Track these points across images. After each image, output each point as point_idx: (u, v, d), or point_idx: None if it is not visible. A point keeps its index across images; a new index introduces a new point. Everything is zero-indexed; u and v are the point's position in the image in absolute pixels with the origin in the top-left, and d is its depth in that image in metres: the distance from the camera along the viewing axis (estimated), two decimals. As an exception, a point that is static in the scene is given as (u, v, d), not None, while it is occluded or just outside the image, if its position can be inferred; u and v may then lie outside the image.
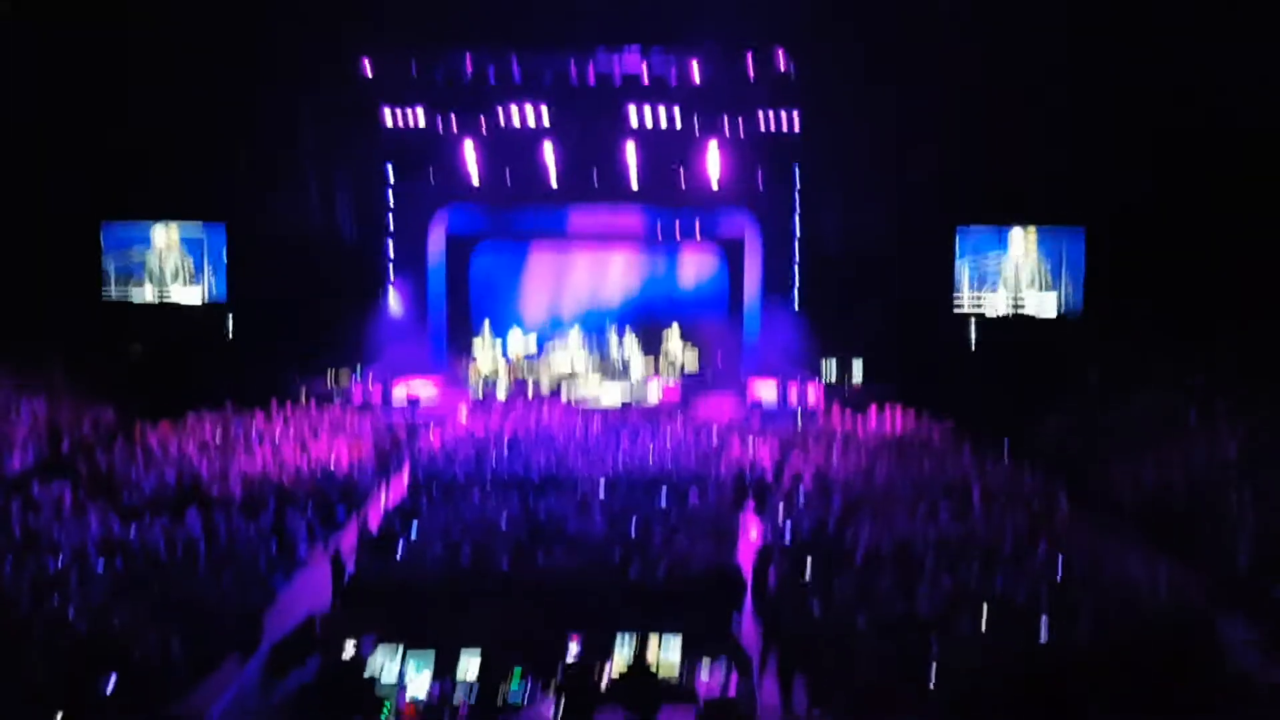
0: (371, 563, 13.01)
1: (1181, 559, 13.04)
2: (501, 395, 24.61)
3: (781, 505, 15.43)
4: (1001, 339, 24.39)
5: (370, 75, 24.78)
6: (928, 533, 13.61)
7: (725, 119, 24.98)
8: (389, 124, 25.40)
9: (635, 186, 25.95)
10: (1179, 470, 15.93)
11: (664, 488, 16.18)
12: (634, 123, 24.76)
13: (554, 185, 25.95)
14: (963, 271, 24.72)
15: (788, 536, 13.81)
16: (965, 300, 24.81)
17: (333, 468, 17.32)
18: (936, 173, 23.66)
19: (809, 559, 12.61)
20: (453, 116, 25.25)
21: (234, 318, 25.50)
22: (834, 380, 25.10)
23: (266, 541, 13.82)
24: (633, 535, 13.78)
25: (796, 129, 24.98)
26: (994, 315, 24.61)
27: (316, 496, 15.92)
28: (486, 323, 25.96)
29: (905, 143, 23.57)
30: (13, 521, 13.97)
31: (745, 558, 13.79)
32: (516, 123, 24.93)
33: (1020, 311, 24.50)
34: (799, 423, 21.12)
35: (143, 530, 13.69)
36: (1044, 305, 24.35)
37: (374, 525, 14.47)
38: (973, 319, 24.86)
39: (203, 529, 13.80)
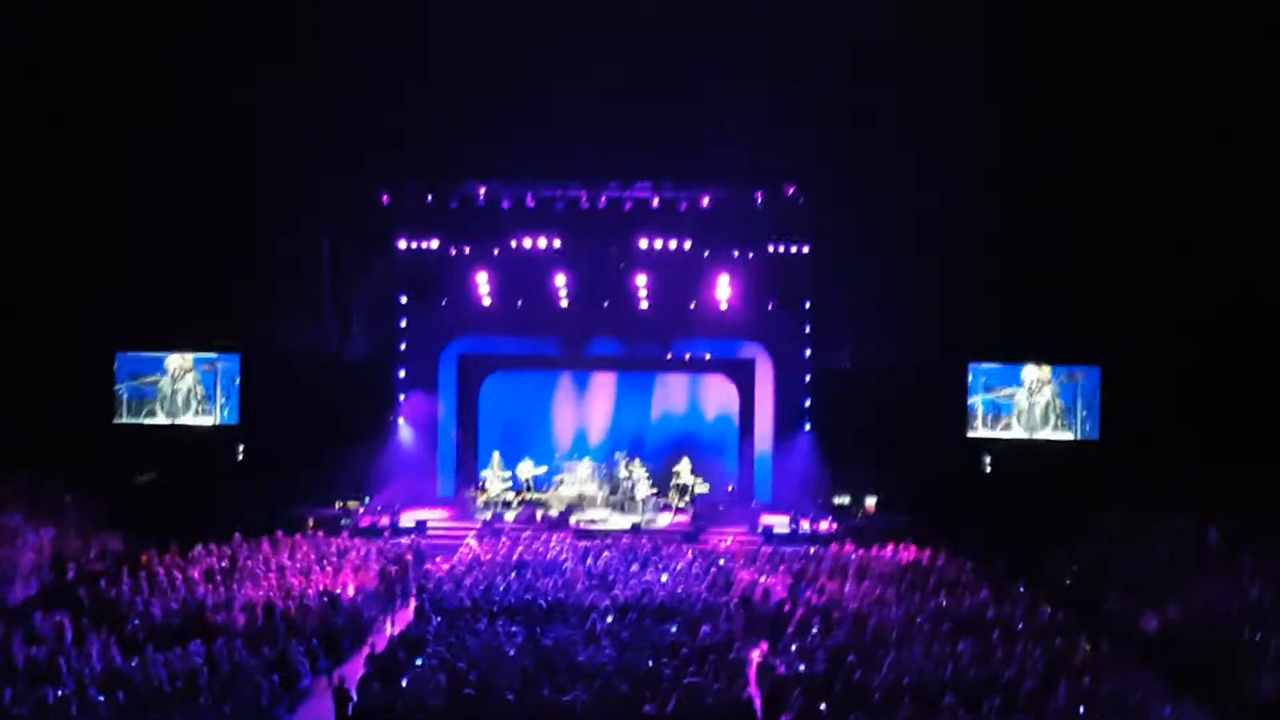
0: (376, 692, 12.90)
1: (1202, 698, 12.85)
2: (510, 520, 24.58)
3: (795, 638, 15.27)
4: (1017, 468, 24.47)
5: (386, 204, 25.62)
6: (946, 668, 13.46)
7: (736, 250, 25.74)
8: (403, 252, 26.13)
9: (647, 316, 26.56)
10: (1200, 607, 15.78)
11: (675, 617, 16.05)
12: (645, 252, 25.57)
13: (565, 314, 26.60)
14: (976, 407, 24.96)
15: (801, 670, 13.66)
16: (979, 433, 25.00)
17: (339, 596, 17.25)
18: (948, 306, 24.28)
19: (823, 695, 12.45)
20: (465, 246, 26.01)
21: (245, 444, 25.78)
22: (847, 510, 25.11)
23: (270, 672, 13.72)
24: (643, 667, 13.65)
25: (807, 260, 25.68)
26: (1009, 443, 24.79)
27: (322, 626, 15.84)
28: (496, 455, 26.03)
29: (915, 276, 24.16)
30: (14, 651, 13.92)
31: (758, 692, 13.61)
32: (529, 251, 25.67)
33: (1035, 437, 24.71)
34: (812, 553, 21.01)
35: (145, 661, 13.62)
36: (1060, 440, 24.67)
37: (379, 653, 14.38)
38: (986, 452, 25.02)
39: (206, 659, 13.73)
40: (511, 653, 14.17)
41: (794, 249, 25.66)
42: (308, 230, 25.48)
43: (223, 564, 19.15)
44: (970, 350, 25.36)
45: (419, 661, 13.93)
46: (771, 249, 25.70)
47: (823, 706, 12.31)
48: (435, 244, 26.05)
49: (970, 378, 25.22)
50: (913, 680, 13.01)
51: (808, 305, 26.59)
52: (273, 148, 22.99)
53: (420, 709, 12.42)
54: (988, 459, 25.32)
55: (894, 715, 11.85)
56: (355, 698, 12.87)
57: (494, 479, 25.88)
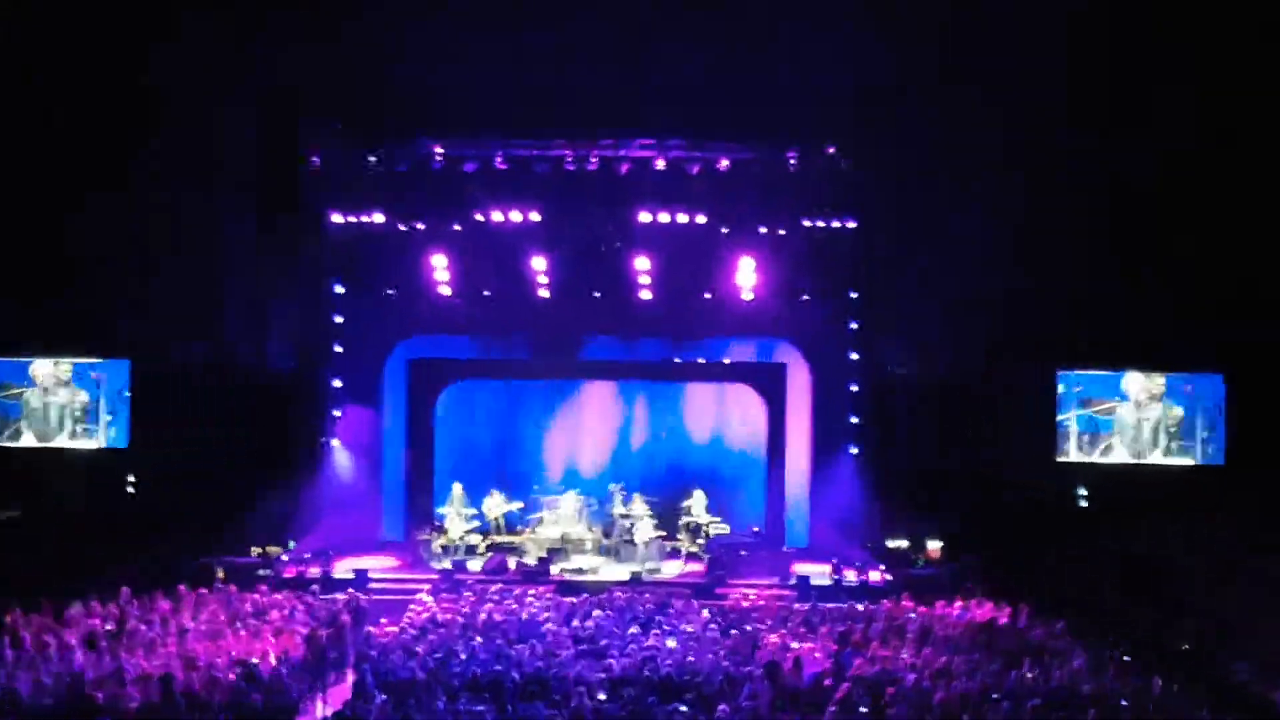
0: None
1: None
2: (475, 570, 24.58)
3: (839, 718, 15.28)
4: (1120, 502, 24.50)
5: (315, 168, 25.68)
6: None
7: (762, 226, 25.82)
8: (338, 229, 26.21)
9: (649, 311, 26.74)
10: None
11: (684, 694, 16.03)
12: (647, 228, 25.60)
13: (546, 308, 26.70)
14: (1069, 425, 25.06)
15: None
16: (1073, 458, 25.04)
17: (256, 668, 17.21)
18: (1033, 299, 24.38)
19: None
20: (417, 221, 26.05)
21: (136, 473, 25.83)
22: (904, 557, 25.13)
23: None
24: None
25: (853, 239, 25.80)
26: (1110, 470, 24.84)
27: (234, 705, 15.79)
28: (458, 487, 26.06)
29: (992, 260, 24.22)
30: None
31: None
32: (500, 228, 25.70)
33: (1143, 462, 24.74)
34: (860, 611, 20.96)
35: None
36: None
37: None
38: (1081, 482, 25.06)
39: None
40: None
41: (837, 224, 25.69)
42: (215, 204, 25.51)
43: (108, 627, 19.05)
44: (1061, 354, 25.42)
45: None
46: (808, 224, 25.76)
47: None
48: (379, 218, 26.04)
49: (1061, 389, 25.23)
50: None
51: (854, 296, 26.66)
52: (169, 101, 23.03)
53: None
54: (1083, 491, 25.29)
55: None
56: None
57: (454, 518, 25.81)
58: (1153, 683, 16.56)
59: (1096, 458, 25.17)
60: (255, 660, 17.53)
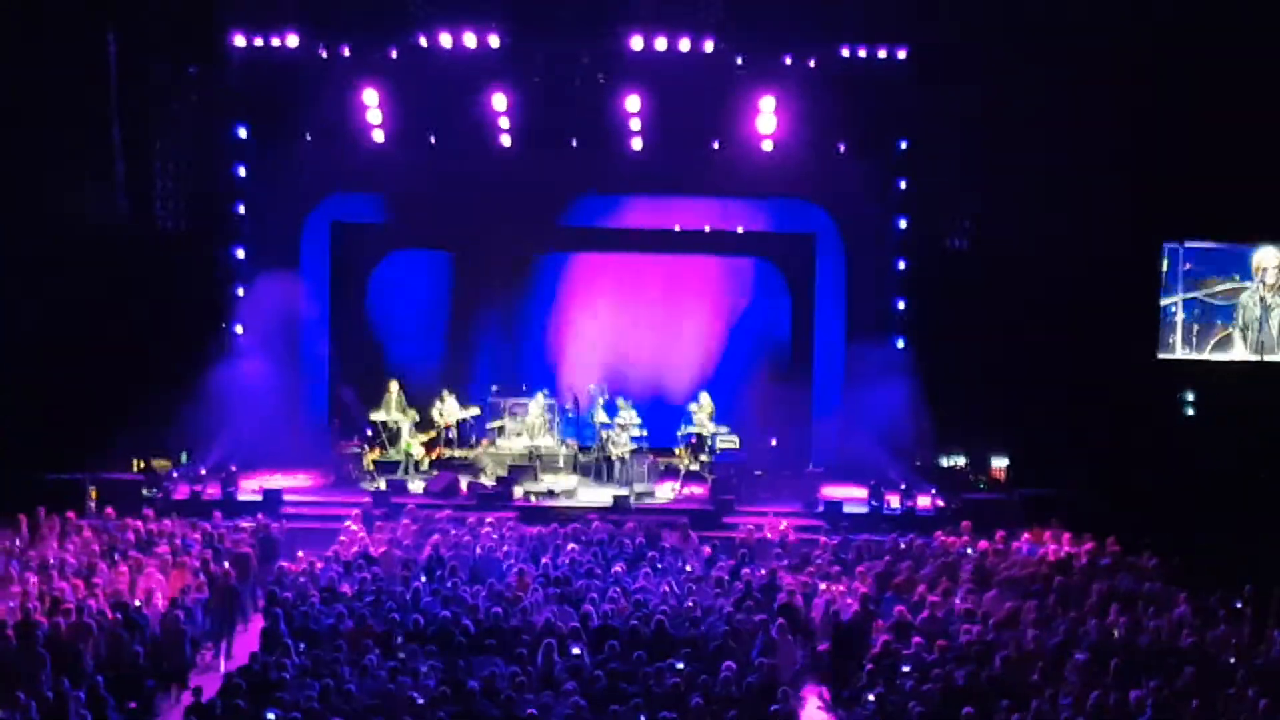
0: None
1: None
2: (417, 492, 24.59)
3: (875, 679, 15.31)
4: (1237, 410, 24.50)
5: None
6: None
7: (787, 55, 25.43)
8: (241, 54, 25.74)
9: (641, 164, 26.49)
10: None
11: (681, 649, 16.04)
12: (639, 57, 25.23)
13: (507, 159, 26.42)
14: (1175, 311, 24.87)
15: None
16: (1179, 354, 24.94)
17: (139, 611, 17.21)
18: (1132, 154, 24.11)
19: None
20: (343, 46, 25.62)
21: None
22: (961, 478, 25.27)
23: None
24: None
25: (904, 74, 25.41)
26: (1227, 370, 24.79)
27: (113, 658, 15.80)
28: (394, 385, 26.03)
29: (1080, 104, 24.05)
30: None
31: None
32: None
33: (1269, 359, 24.70)
34: (904, 547, 21.01)
35: None
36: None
37: (206, 702, 14.35)
38: (1189, 385, 25.01)
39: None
40: (420, 701, 14.16)
41: (884, 54, 25.39)
42: (87, 27, 25.09)
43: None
44: (1167, 223, 25.32)
45: (269, 716, 13.90)
46: (846, 54, 25.46)
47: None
48: (294, 41, 25.65)
49: (1166, 265, 25.09)
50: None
51: (904, 148, 26.51)
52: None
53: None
54: (1190, 396, 25.25)
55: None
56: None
57: (391, 426, 25.81)
58: (1273, 637, 16.62)
59: (1208, 354, 25.09)
60: (138, 603, 17.52)
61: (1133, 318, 25.14)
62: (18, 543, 20.02)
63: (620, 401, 26.05)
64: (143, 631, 16.69)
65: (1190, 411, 25.35)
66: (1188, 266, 25.17)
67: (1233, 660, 15.86)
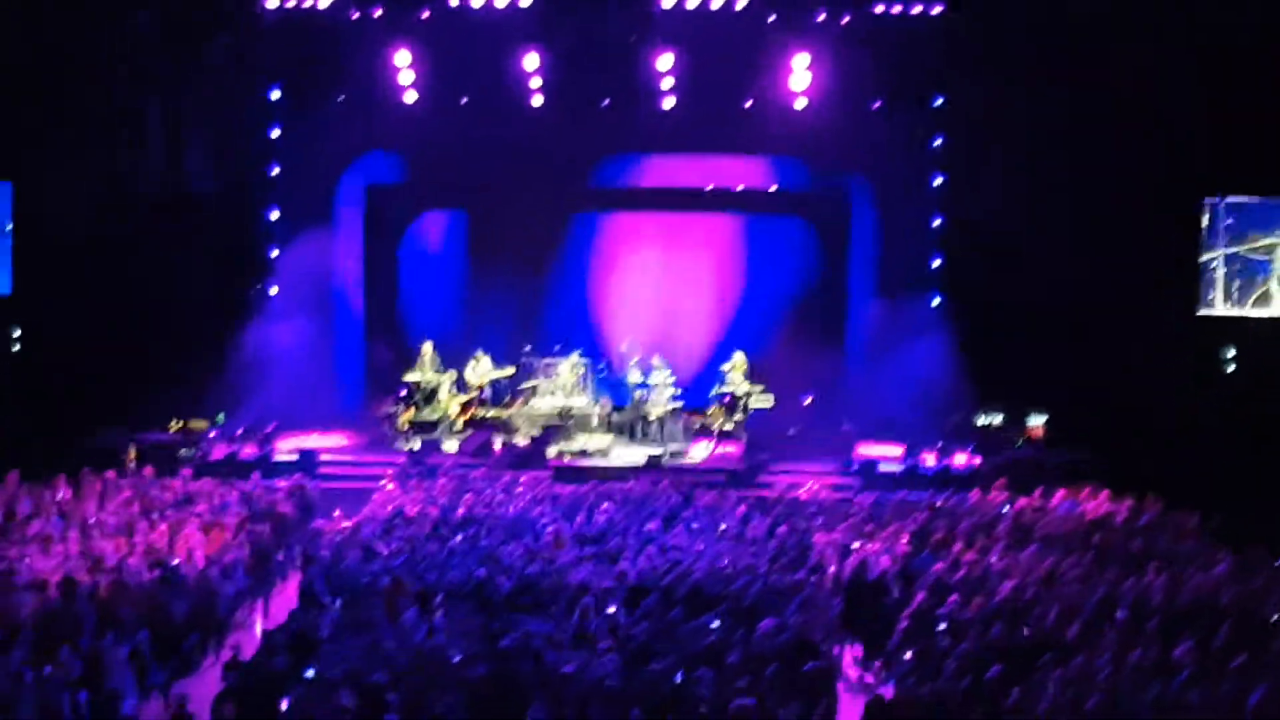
0: (237, 722, 12.94)
1: None
2: (451, 452, 24.62)
3: (911, 637, 15.28)
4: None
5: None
6: (1151, 689, 13.39)
7: (821, 11, 25.30)
8: (273, 16, 25.73)
9: (673, 122, 26.35)
10: None
11: (717, 606, 16.03)
12: (671, 17, 25.11)
13: (539, 119, 26.37)
14: (1215, 268, 24.64)
15: (922, 690, 13.63)
16: (1218, 308, 24.75)
17: (178, 570, 17.29)
18: (1172, 107, 23.84)
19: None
20: (375, 7, 25.55)
21: (22, 328, 25.85)
22: (999, 436, 25.13)
23: (72, 688, 13.76)
24: (665, 686, 13.65)
25: (940, 29, 25.26)
26: (1268, 327, 24.62)
27: (152, 616, 15.86)
28: (429, 347, 26.12)
29: (1118, 58, 23.79)
30: None
31: (852, 723, 13.63)
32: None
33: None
34: (940, 505, 20.94)
35: None
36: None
37: (245, 661, 14.42)
38: (1230, 342, 24.84)
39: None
40: (456, 659, 14.18)
41: (919, 10, 25.23)
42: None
43: (-8, 520, 19.20)
44: (1206, 179, 25.09)
45: (308, 673, 13.96)
46: (881, 10, 25.31)
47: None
48: (326, 2, 25.61)
49: (1206, 220, 24.88)
50: (1100, 707, 12.96)
51: (940, 104, 26.37)
52: None
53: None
54: (1231, 353, 25.08)
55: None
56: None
57: (425, 386, 25.85)
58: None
59: (1249, 310, 24.88)
60: (177, 561, 17.61)
61: (1173, 274, 24.94)
62: (60, 503, 20.15)
63: (656, 360, 26.05)
64: (182, 590, 16.78)
65: (1231, 368, 25.13)
66: (1228, 222, 24.97)
67: (1275, 618, 15.78)
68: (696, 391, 26.37)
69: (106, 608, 15.79)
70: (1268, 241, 24.84)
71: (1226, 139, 24.22)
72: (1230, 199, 24.96)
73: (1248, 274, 24.95)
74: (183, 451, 24.07)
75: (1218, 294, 24.96)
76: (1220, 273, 24.98)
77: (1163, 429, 22.95)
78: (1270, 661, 14.25)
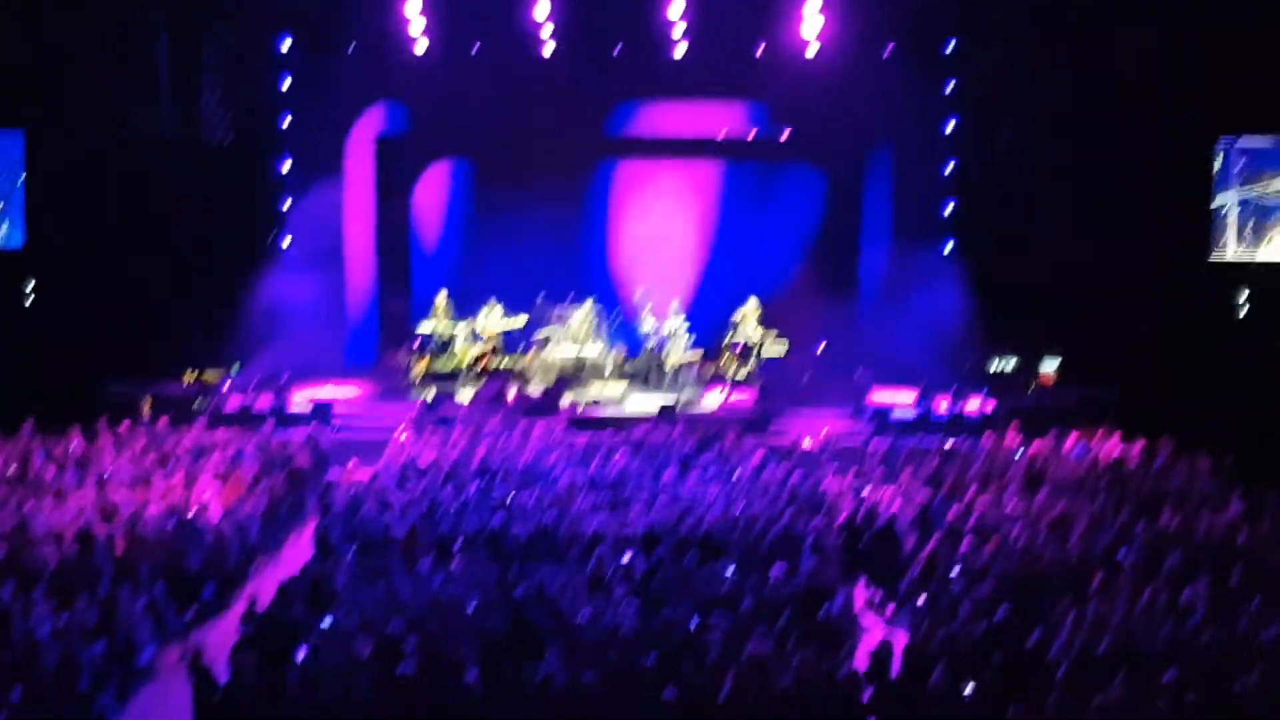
0: (256, 670, 13.03)
1: None
2: (465, 402, 24.68)
3: (926, 582, 15.32)
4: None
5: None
6: (1164, 628, 13.45)
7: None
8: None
9: (685, 69, 26.32)
10: None
11: (731, 553, 16.13)
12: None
13: (551, 67, 26.34)
14: (1229, 207, 24.53)
15: (937, 634, 13.69)
16: (1231, 253, 24.64)
17: (195, 520, 17.37)
18: (1183, 45, 23.80)
19: (972, 672, 12.49)
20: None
21: (37, 279, 25.89)
22: (1012, 381, 25.17)
23: (90, 638, 13.86)
24: (680, 632, 13.75)
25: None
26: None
27: (169, 566, 15.96)
28: (443, 295, 26.15)
29: (1128, 2, 23.75)
30: None
31: (867, 670, 13.66)
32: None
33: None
34: (952, 450, 20.97)
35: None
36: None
37: (261, 611, 14.50)
38: (1242, 284, 24.77)
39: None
40: (471, 608, 14.26)
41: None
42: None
43: (9, 471, 19.25)
44: (1220, 118, 24.92)
45: (324, 622, 14.03)
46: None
47: (969, 690, 12.33)
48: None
49: (1219, 162, 24.81)
50: (1114, 648, 13.01)
51: (952, 49, 26.27)
52: None
53: (326, 701, 12.45)
54: (1244, 295, 25.03)
55: (1084, 702, 11.85)
56: (224, 678, 12.99)
57: (440, 335, 25.90)
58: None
59: (1262, 254, 24.78)
60: (193, 512, 17.69)
61: (1186, 217, 24.84)
62: (75, 454, 20.24)
63: (673, 306, 26.08)
64: (198, 540, 16.87)
65: (1243, 312, 25.07)
66: (1241, 164, 24.84)
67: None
68: (710, 339, 26.33)
69: (123, 559, 15.90)
70: (1281, 183, 24.79)
71: (1237, 79, 24.07)
72: (1243, 141, 24.77)
73: (1259, 215, 24.83)
74: (198, 402, 24.11)
75: (1229, 238, 24.85)
76: (1233, 216, 24.87)
77: (1176, 372, 22.95)
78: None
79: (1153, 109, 24.18)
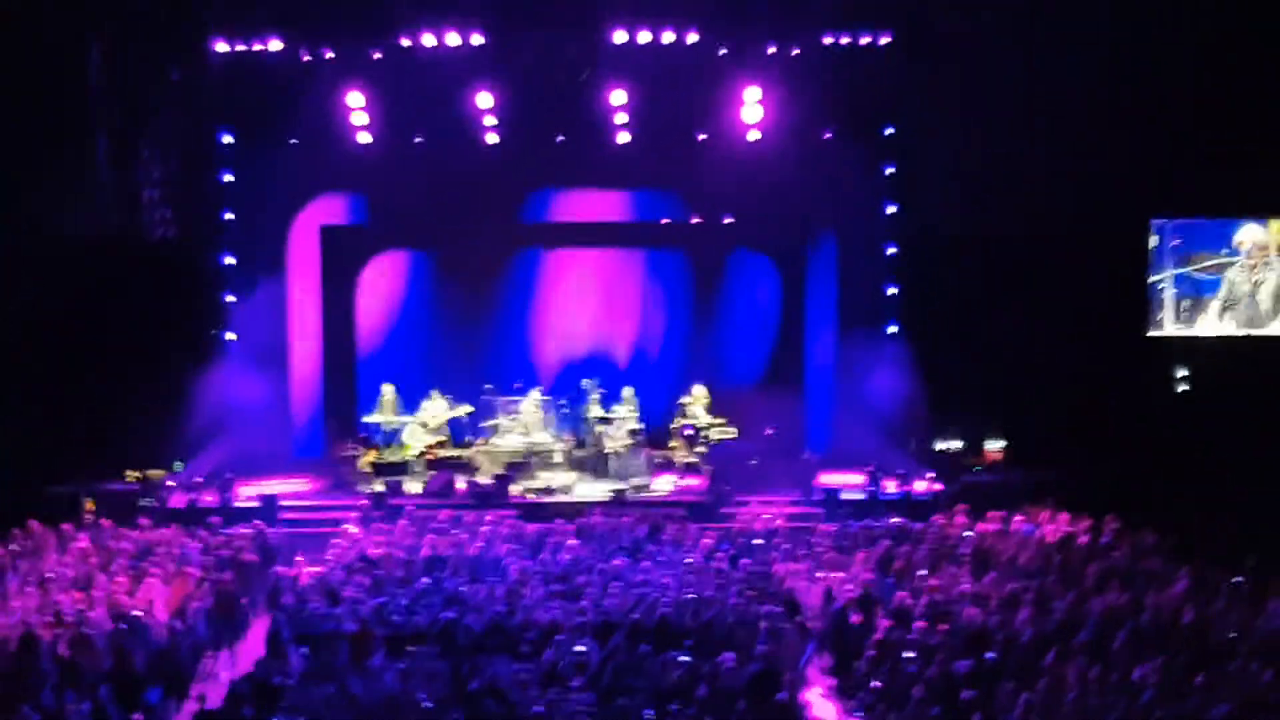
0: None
1: None
2: (415, 493, 24.61)
3: (878, 665, 15.37)
4: (1229, 385, 24.53)
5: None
6: (1118, 706, 13.56)
7: (771, 44, 25.42)
8: (224, 59, 25.65)
9: (628, 158, 26.57)
10: None
11: (684, 640, 16.12)
12: (622, 50, 25.20)
13: (494, 157, 26.46)
14: (1164, 288, 24.90)
15: (889, 716, 13.75)
16: (1169, 330, 24.98)
17: (140, 621, 17.22)
18: (1118, 130, 24.14)
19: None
20: (326, 49, 25.58)
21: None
22: (958, 462, 25.32)
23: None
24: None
25: (888, 59, 25.40)
26: (1217, 345, 24.87)
27: (116, 668, 15.81)
28: (389, 389, 26.17)
29: (1065, 81, 24.08)
30: None
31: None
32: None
33: (1258, 333, 24.74)
34: (902, 531, 21.07)
35: None
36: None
37: (211, 710, 14.40)
38: (1180, 361, 25.09)
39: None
40: (426, 704, 14.20)
41: (867, 40, 25.41)
42: (69, 35, 25.07)
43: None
44: (1154, 199, 25.31)
45: (275, 721, 13.96)
46: (829, 41, 25.48)
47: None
48: (276, 45, 25.60)
49: (1154, 241, 25.12)
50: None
51: (890, 133, 26.53)
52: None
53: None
54: (1182, 372, 25.30)
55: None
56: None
57: (387, 428, 25.87)
58: (1272, 610, 16.71)
59: (1198, 330, 25.10)
60: (138, 613, 17.54)
61: (1123, 295, 25.17)
62: (15, 556, 20.04)
63: (625, 393, 26.19)
64: (145, 641, 16.72)
65: (1183, 388, 25.36)
66: (1176, 242, 25.21)
67: (1234, 635, 15.96)
68: (659, 425, 26.41)
69: (68, 662, 15.73)
70: (1214, 261, 25.08)
71: (1173, 161, 24.49)
72: (1176, 221, 25.17)
73: (1194, 292, 25.18)
74: (141, 501, 23.91)
75: (1167, 314, 25.18)
76: (1169, 293, 25.22)
77: (1118, 449, 23.14)
78: (1232, 679, 14.46)
79: (1089, 190, 24.53)
